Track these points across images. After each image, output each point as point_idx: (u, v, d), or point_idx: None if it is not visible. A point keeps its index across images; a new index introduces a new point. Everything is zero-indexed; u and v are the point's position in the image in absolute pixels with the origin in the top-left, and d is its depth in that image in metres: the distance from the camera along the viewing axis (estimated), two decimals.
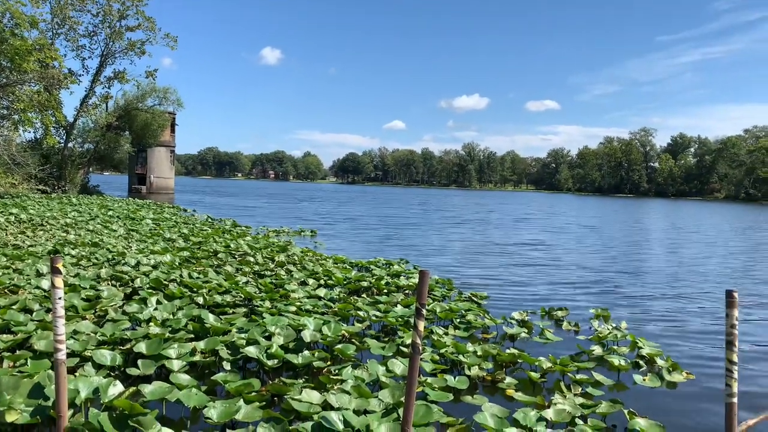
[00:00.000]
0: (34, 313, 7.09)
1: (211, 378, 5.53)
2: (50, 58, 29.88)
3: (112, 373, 5.59)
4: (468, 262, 16.51)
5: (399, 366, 5.88)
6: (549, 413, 4.99)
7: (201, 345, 6.25)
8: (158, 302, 8.08)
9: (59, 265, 3.92)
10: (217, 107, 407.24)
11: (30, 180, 33.78)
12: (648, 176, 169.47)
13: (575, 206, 70.88)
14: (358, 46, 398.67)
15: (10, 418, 4.25)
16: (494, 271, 14.81)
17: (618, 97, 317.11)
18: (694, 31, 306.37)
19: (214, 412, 4.55)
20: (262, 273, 11.27)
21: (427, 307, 6.19)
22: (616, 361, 6.76)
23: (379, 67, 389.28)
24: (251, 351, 6.07)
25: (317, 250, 15.99)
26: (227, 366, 5.98)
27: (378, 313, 8.29)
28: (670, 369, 6.79)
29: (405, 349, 6.61)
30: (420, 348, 3.92)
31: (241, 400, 4.79)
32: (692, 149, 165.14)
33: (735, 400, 3.82)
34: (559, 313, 9.58)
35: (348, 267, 12.71)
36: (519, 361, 6.72)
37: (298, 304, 8.48)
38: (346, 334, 7.27)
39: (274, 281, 10.19)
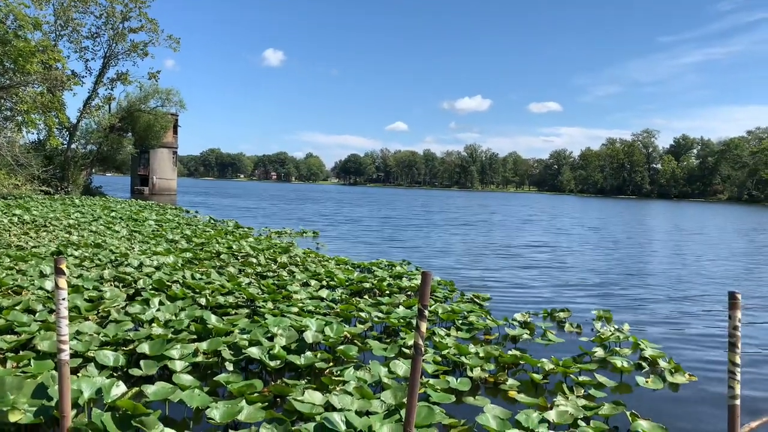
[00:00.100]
0: (38, 314, 7.11)
1: (214, 379, 5.54)
2: (53, 60, 30.02)
3: (115, 374, 5.61)
4: (470, 264, 16.51)
5: (401, 367, 5.88)
6: (551, 415, 5.00)
7: (203, 346, 6.26)
8: (161, 303, 8.10)
9: (62, 266, 3.93)
10: (220, 109, 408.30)
11: (33, 181, 33.94)
12: (650, 178, 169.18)
13: (577, 207, 70.74)
14: (360, 48, 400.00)
15: (14, 418, 4.27)
16: (496, 273, 14.80)
17: (620, 98, 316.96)
18: (696, 31, 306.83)
19: (216, 412, 4.56)
20: (265, 274, 11.28)
21: (429, 308, 6.19)
22: (618, 362, 6.75)
23: (381, 68, 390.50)
24: (254, 352, 6.08)
25: (319, 252, 16.01)
26: (230, 367, 6.00)
27: (380, 315, 8.30)
28: (673, 371, 6.78)
29: (407, 351, 6.61)
30: (422, 349, 3.92)
31: (244, 400, 4.81)
32: (695, 151, 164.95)
33: (738, 402, 3.80)
34: (562, 315, 9.57)
35: (350, 268, 12.72)
36: (521, 362, 6.72)
37: (301, 305, 8.49)
38: (348, 335, 7.28)
39: (276, 282, 10.21)
